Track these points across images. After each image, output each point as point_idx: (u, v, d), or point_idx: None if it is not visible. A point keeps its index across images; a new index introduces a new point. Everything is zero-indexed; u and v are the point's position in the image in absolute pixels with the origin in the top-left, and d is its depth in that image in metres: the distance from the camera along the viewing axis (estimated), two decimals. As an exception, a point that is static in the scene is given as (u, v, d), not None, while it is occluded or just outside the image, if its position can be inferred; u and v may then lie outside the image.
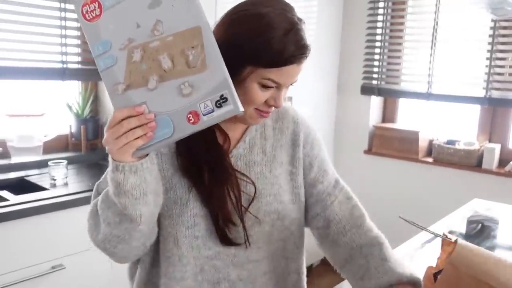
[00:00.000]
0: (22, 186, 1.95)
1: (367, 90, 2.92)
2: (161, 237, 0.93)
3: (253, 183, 0.94)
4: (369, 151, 2.95)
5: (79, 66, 2.33)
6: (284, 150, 1.00)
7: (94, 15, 0.72)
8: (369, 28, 2.88)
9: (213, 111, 0.71)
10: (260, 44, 0.81)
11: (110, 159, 0.78)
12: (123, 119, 0.72)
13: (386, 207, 2.82)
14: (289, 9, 0.86)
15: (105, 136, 0.76)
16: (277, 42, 0.81)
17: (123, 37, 0.72)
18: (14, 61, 2.08)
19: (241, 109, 0.71)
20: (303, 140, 1.02)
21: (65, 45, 2.24)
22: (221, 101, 0.71)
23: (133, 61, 0.72)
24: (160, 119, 0.72)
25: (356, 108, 2.99)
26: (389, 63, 2.87)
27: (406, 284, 0.94)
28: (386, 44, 2.85)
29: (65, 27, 2.22)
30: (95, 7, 0.72)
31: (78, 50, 2.35)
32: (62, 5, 2.19)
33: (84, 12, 0.73)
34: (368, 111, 2.95)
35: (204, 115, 0.71)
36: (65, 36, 2.23)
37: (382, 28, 2.84)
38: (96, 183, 0.98)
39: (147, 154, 0.78)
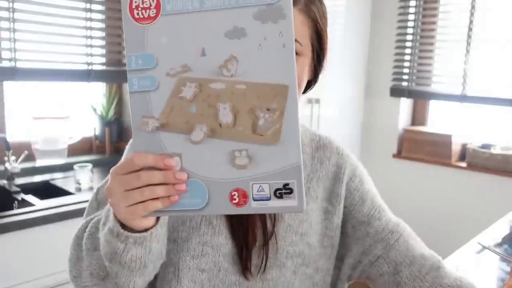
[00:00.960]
0: (47, 190, 1.92)
1: (396, 92, 2.82)
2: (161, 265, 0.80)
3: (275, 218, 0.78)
4: (398, 155, 2.86)
5: (104, 67, 2.30)
6: (321, 183, 0.84)
7: (146, 15, 0.53)
8: (399, 27, 2.78)
9: (268, 199, 0.54)
10: None
11: (109, 212, 0.61)
12: (142, 168, 0.55)
13: (416, 214, 2.71)
14: None
15: (109, 182, 0.57)
16: None
17: (177, 60, 0.54)
18: (40, 62, 2.05)
19: (304, 208, 0.55)
20: (348, 174, 0.86)
21: (91, 46, 2.21)
22: (283, 191, 0.54)
23: (181, 96, 0.54)
24: (192, 183, 0.55)
25: (385, 111, 2.90)
26: (420, 64, 2.77)
27: None
28: (417, 44, 2.75)
29: (91, 28, 2.19)
30: (151, 4, 0.53)
31: (103, 51, 2.32)
32: (88, 6, 2.16)
33: (133, 7, 0.53)
34: (398, 114, 2.85)
35: (254, 200, 0.54)
36: (91, 37, 2.20)
37: (413, 27, 2.73)
38: (98, 186, 0.83)
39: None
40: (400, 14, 2.76)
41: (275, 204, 0.54)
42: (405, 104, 2.88)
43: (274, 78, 0.52)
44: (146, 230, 0.60)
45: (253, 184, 0.54)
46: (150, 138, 0.56)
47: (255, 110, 0.53)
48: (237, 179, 0.54)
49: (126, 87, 2.53)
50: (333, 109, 2.70)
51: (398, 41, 2.79)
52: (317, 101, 2.49)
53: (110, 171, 0.58)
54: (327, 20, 0.77)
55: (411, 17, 2.74)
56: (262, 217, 0.77)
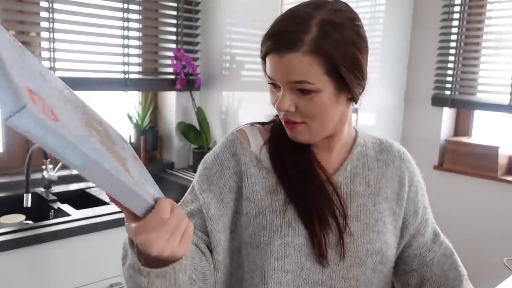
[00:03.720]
0: (82, 199, 1.94)
1: (438, 101, 2.70)
2: (247, 270, 0.83)
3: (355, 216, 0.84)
4: (439, 167, 2.73)
5: (140, 76, 2.31)
6: (389, 184, 0.89)
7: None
8: (442, 34, 2.66)
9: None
10: None
11: (127, 247, 0.65)
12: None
13: (457, 230, 2.58)
14: (310, 3, 0.78)
15: (140, 227, 0.57)
16: (265, 37, 0.79)
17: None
18: (79, 72, 2.08)
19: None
20: (408, 180, 0.92)
21: (127, 55, 2.22)
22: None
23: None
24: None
25: (426, 120, 2.78)
26: (464, 72, 2.63)
27: None
28: (461, 50, 2.62)
29: (127, 37, 2.20)
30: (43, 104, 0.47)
31: (139, 60, 2.33)
32: (125, 15, 2.18)
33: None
34: (440, 124, 2.73)
35: None
36: (127, 46, 2.21)
37: (457, 33, 2.61)
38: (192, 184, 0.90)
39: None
40: (444, 20, 2.64)
41: None
42: (448, 114, 2.75)
43: None
44: (169, 263, 0.63)
45: None
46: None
47: None
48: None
49: (161, 95, 2.53)
50: (371, 118, 2.61)
51: (440, 47, 2.67)
52: (355, 110, 2.42)
53: (144, 228, 0.57)
54: (350, 43, 0.76)
55: (455, 23, 2.61)
56: (335, 216, 0.81)
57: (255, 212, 0.82)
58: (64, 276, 1.57)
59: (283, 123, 0.82)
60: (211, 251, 0.83)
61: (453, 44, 2.63)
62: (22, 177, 1.77)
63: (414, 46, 2.78)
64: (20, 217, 1.70)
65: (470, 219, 2.59)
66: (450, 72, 2.65)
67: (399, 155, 0.93)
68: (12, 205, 1.81)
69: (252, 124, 0.91)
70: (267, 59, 0.79)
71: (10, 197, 1.84)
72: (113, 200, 0.56)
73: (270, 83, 0.81)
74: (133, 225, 0.58)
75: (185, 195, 0.89)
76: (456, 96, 2.64)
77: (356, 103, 0.84)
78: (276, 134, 0.87)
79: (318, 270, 0.81)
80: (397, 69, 2.77)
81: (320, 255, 0.79)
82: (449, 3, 2.61)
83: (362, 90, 0.82)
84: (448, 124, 2.77)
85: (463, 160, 2.62)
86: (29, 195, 1.73)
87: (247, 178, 0.83)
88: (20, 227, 1.54)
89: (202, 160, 0.89)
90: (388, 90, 2.72)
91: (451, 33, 2.63)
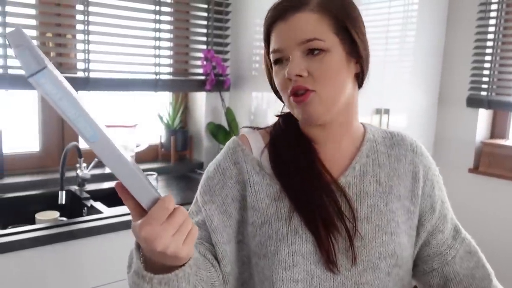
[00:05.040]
0: (114, 197, 1.97)
1: (474, 102, 2.62)
2: (257, 281, 0.81)
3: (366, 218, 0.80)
4: (475, 170, 2.64)
5: (171, 77, 2.34)
6: (402, 181, 0.84)
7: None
8: (478, 33, 2.57)
9: None
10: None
11: (134, 254, 0.64)
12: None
13: (493, 235, 2.50)
14: None
15: (146, 220, 0.57)
16: (267, 13, 0.79)
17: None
18: (111, 73, 2.13)
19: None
20: (422, 174, 0.86)
21: (159, 56, 2.26)
22: None
23: None
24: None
25: (461, 122, 2.70)
26: (501, 72, 2.54)
27: None
28: (498, 50, 2.53)
29: (159, 39, 2.24)
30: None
31: (170, 61, 2.36)
32: (157, 17, 2.21)
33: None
34: (475, 126, 2.64)
35: None
36: (159, 48, 2.25)
37: (494, 32, 2.52)
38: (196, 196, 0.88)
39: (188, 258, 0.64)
40: (480, 18, 2.56)
41: None
42: (484, 115, 2.67)
43: None
44: (171, 270, 0.63)
45: None
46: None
47: None
48: None
49: (191, 96, 2.56)
50: (404, 119, 2.55)
51: (477, 47, 2.59)
52: (386, 111, 2.36)
53: (149, 220, 0.57)
54: (352, 9, 0.79)
55: (492, 21, 2.53)
56: (343, 219, 0.77)
57: (260, 221, 0.79)
58: (95, 271, 1.60)
59: (291, 102, 0.78)
60: (218, 263, 0.81)
61: (489, 44, 2.55)
62: (57, 175, 1.83)
63: (449, 45, 2.70)
64: (55, 214, 1.76)
65: (507, 225, 2.50)
66: (486, 72, 2.57)
67: (411, 149, 0.87)
68: (47, 202, 1.87)
69: (253, 128, 0.89)
70: (272, 33, 0.78)
71: (46, 195, 1.91)
72: (123, 192, 0.57)
73: (276, 60, 0.79)
74: (139, 221, 0.58)
75: (191, 206, 0.87)
76: (493, 97, 2.55)
77: (361, 84, 0.83)
78: (276, 137, 0.86)
79: (329, 277, 0.77)
80: (431, 69, 2.70)
81: (329, 262, 0.76)
82: (486, 0, 2.53)
83: (367, 68, 0.81)
84: (484, 126, 2.68)
85: (500, 163, 2.53)
86: (64, 192, 1.78)
87: (250, 186, 0.81)
88: (55, 223, 1.59)
89: (206, 170, 0.87)
90: (421, 91, 2.66)
91: (487, 32, 2.55)
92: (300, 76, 0.75)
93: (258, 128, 0.90)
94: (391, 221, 0.81)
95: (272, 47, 0.79)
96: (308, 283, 0.76)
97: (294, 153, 0.82)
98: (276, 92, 0.86)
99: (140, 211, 0.59)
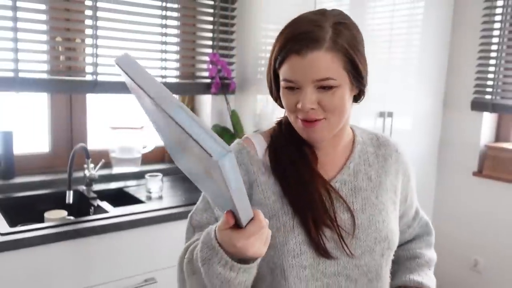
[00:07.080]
0: (120, 197, 2.02)
1: (478, 105, 2.62)
2: (266, 269, 0.88)
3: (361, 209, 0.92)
4: (479, 173, 2.65)
5: (177, 80, 2.39)
6: (388, 177, 0.98)
7: None
8: (482, 37, 2.58)
9: None
10: (273, 47, 0.86)
11: (219, 249, 0.71)
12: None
13: (497, 238, 2.50)
14: (315, 12, 0.85)
15: (243, 234, 0.67)
16: (278, 39, 0.85)
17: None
18: (119, 76, 2.17)
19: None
20: (402, 171, 1.01)
21: (165, 60, 2.30)
22: None
23: None
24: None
25: (465, 125, 2.70)
26: (506, 75, 2.55)
27: None
28: (503, 54, 2.53)
29: (166, 43, 2.29)
30: None
31: (177, 65, 2.41)
32: (163, 22, 2.26)
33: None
34: (479, 129, 2.65)
35: None
36: (165, 51, 2.30)
37: (499, 36, 2.53)
38: (190, 214, 0.95)
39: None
40: (485, 22, 2.57)
41: None
42: (488, 119, 2.67)
43: None
44: (250, 261, 0.72)
45: None
46: None
47: None
48: None
49: (197, 99, 2.60)
50: (408, 122, 2.56)
51: (481, 50, 2.60)
52: (390, 114, 2.39)
53: (247, 235, 0.67)
54: (358, 41, 0.85)
55: (497, 25, 2.53)
56: (346, 212, 0.89)
57: (268, 215, 0.87)
58: (101, 269, 1.65)
59: (298, 124, 0.87)
60: None
61: (494, 47, 2.56)
62: (65, 176, 1.88)
63: (454, 48, 2.72)
64: (63, 213, 1.81)
65: (511, 228, 2.50)
66: (491, 75, 2.57)
67: (395, 149, 1.01)
68: (56, 202, 1.92)
69: (256, 131, 0.98)
70: (286, 62, 0.83)
71: (54, 194, 1.96)
72: (229, 213, 0.66)
73: (286, 87, 0.85)
74: (232, 233, 0.67)
75: (197, 203, 0.95)
76: (498, 101, 2.56)
77: (358, 100, 0.91)
78: (275, 139, 0.93)
79: (333, 262, 0.87)
80: (436, 72, 2.71)
81: (321, 254, 0.86)
82: (491, 4, 2.54)
83: (366, 87, 0.90)
84: (488, 129, 2.68)
85: (504, 166, 2.53)
86: (71, 192, 1.83)
87: (257, 186, 0.89)
88: (63, 222, 1.64)
89: None
90: (426, 94, 2.67)
91: (492, 36, 2.55)
92: (312, 108, 0.83)
93: (260, 133, 0.98)
94: (382, 211, 0.93)
95: (285, 75, 0.84)
96: (315, 268, 0.86)
97: (292, 156, 0.90)
98: (276, 100, 0.93)
99: (231, 221, 0.66)
